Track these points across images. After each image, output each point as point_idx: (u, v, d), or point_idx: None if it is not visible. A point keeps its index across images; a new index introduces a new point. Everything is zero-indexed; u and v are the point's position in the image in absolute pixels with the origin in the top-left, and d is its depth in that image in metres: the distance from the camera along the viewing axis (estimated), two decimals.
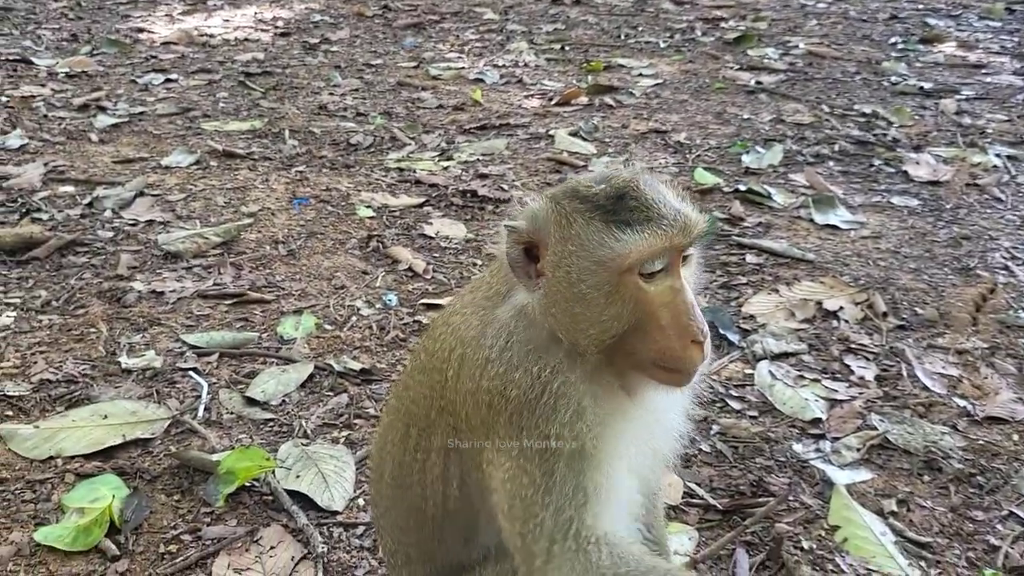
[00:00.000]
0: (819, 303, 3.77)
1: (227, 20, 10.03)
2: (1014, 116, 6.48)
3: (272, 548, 2.43)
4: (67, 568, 2.33)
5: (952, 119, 6.42)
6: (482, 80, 7.75)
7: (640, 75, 7.86)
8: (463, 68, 8.12)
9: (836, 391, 3.17)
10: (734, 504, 2.61)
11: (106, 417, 2.92)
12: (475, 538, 1.77)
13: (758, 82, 7.52)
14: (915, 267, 4.17)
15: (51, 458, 2.74)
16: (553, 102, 7.05)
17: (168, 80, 7.50)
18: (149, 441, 2.85)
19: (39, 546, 2.39)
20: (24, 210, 4.65)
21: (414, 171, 5.44)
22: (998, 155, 5.60)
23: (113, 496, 2.53)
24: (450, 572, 1.83)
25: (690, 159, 5.67)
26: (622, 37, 9.36)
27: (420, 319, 3.70)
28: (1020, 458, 2.84)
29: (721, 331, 3.48)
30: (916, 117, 6.47)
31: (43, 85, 7.20)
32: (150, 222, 4.57)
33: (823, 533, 2.51)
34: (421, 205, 4.92)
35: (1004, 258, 4.26)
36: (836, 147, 5.84)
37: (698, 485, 2.68)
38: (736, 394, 3.16)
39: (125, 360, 3.29)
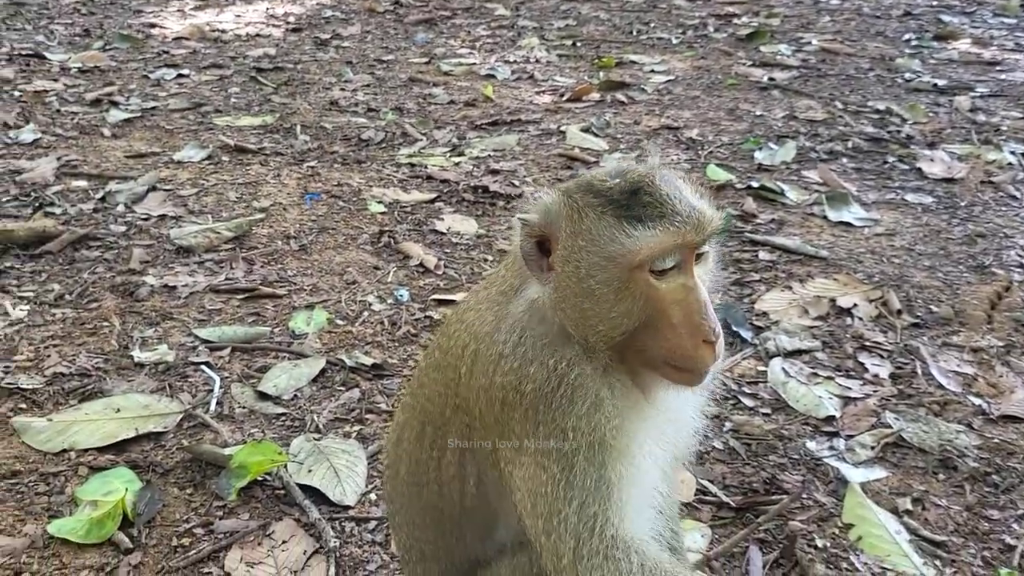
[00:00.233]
0: (833, 300, 3.74)
1: (239, 16, 10.04)
2: None
3: (284, 542, 2.43)
4: (80, 560, 2.34)
5: (967, 116, 6.37)
6: (493, 76, 7.73)
7: (652, 71, 7.83)
8: (474, 64, 8.11)
9: (850, 389, 3.15)
10: (747, 502, 2.60)
11: (119, 411, 2.93)
12: (493, 535, 1.76)
13: (771, 78, 7.48)
14: (930, 264, 4.14)
15: (64, 451, 2.75)
16: (564, 98, 7.04)
17: (180, 75, 7.51)
18: (162, 435, 2.86)
19: (52, 538, 2.39)
20: (37, 204, 4.66)
21: (425, 167, 5.44)
22: (1013, 152, 5.56)
23: (126, 489, 2.53)
24: (467, 568, 1.82)
25: (702, 155, 5.64)
26: (634, 33, 9.33)
27: (431, 315, 3.70)
28: None
29: (734, 328, 3.47)
30: (930, 114, 6.43)
31: (56, 80, 7.22)
32: (162, 217, 4.58)
33: (837, 531, 2.50)
34: (432, 201, 4.91)
35: (1019, 256, 4.23)
36: (850, 144, 5.80)
37: (711, 482, 2.67)
38: (749, 391, 3.15)
39: (138, 354, 3.30)
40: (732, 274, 4.00)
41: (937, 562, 2.40)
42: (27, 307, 3.62)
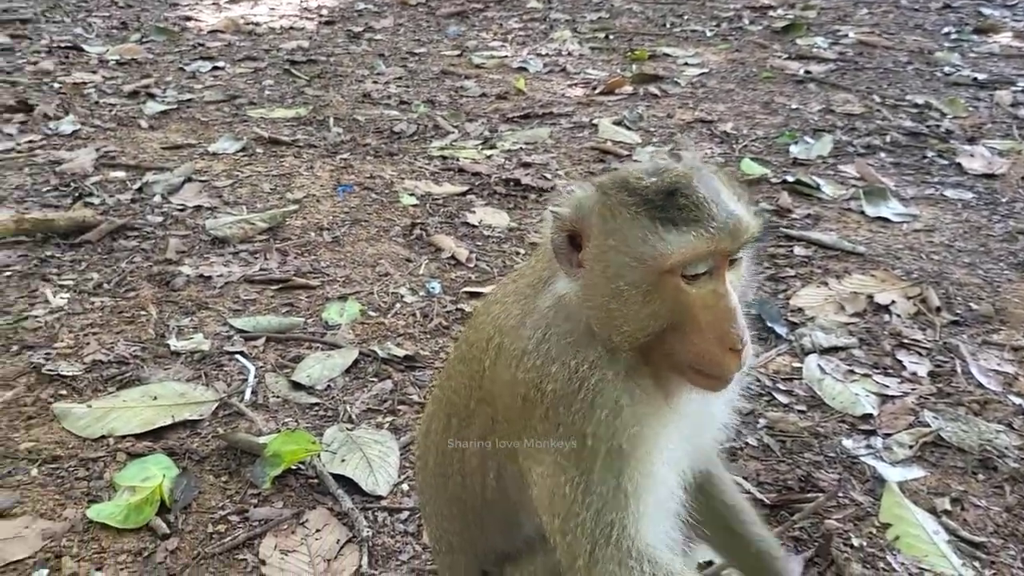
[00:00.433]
0: (870, 297, 3.69)
1: (272, 8, 10.11)
2: None
3: (318, 531, 2.45)
4: (119, 545, 2.37)
5: (1007, 111, 6.24)
6: (525, 69, 7.72)
7: (686, 64, 7.77)
8: (506, 57, 8.10)
9: (887, 387, 3.10)
10: (782, 499, 2.57)
11: (156, 398, 2.96)
12: (516, 529, 1.76)
13: (807, 71, 7.39)
14: (969, 261, 4.07)
15: (103, 437, 2.79)
16: (597, 91, 7.00)
17: (215, 68, 7.59)
18: (197, 423, 2.89)
19: (92, 522, 2.43)
20: (77, 194, 4.73)
21: (457, 159, 5.44)
22: None
23: (163, 476, 2.57)
24: (493, 561, 1.83)
25: (737, 149, 5.59)
26: (667, 25, 9.26)
27: (463, 307, 3.70)
28: None
29: (768, 324, 3.43)
30: (970, 108, 6.31)
31: (94, 72, 7.32)
32: (198, 207, 4.63)
33: (874, 531, 2.46)
34: (464, 193, 4.91)
35: None
36: (888, 138, 5.72)
37: (745, 479, 2.64)
38: (784, 388, 3.12)
39: (174, 343, 3.34)
40: (767, 269, 3.96)
41: (976, 563, 2.36)
42: (67, 295, 3.67)
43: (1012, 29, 8.63)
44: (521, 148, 5.66)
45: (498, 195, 4.90)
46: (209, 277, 3.88)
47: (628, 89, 7.02)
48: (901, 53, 7.94)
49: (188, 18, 9.50)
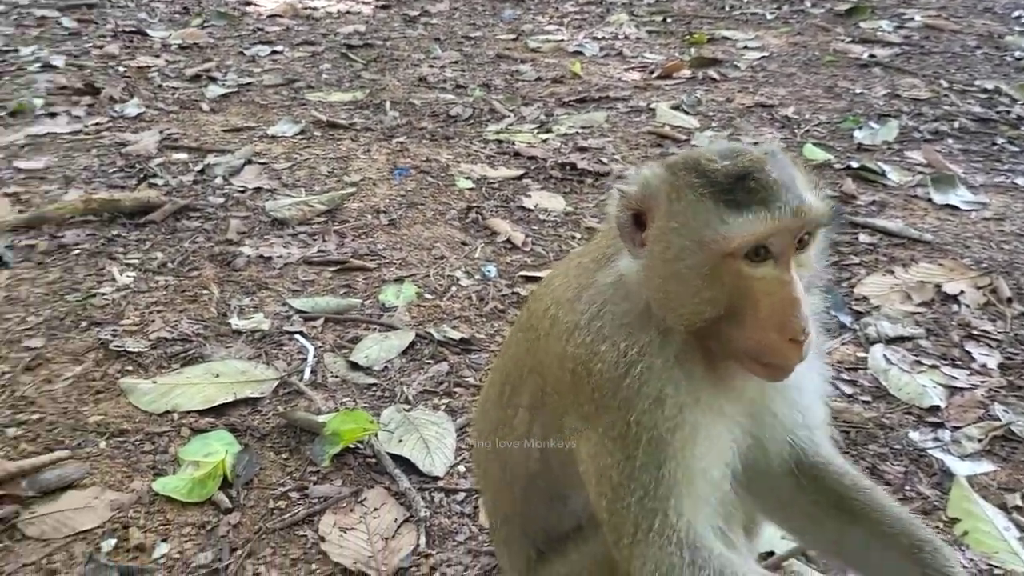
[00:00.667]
0: (938, 286, 3.59)
1: None
2: None
3: (376, 509, 2.47)
4: (183, 518, 2.42)
5: None
6: (581, 53, 7.66)
7: (745, 47, 7.63)
8: (562, 40, 8.04)
9: (956, 379, 3.01)
10: None
11: (218, 376, 3.02)
12: (561, 504, 1.75)
13: (871, 55, 7.20)
14: None
15: (168, 412, 2.85)
16: (654, 75, 6.92)
17: (274, 52, 7.67)
18: (258, 400, 2.93)
19: (157, 495, 2.49)
20: (142, 175, 4.83)
21: (513, 143, 5.42)
22: None
23: (226, 451, 2.61)
24: (543, 539, 1.82)
25: (799, 134, 5.47)
26: (726, 8, 9.10)
27: (518, 291, 3.69)
28: None
29: (832, 312, 3.36)
30: None
31: (157, 56, 7.46)
32: (258, 189, 4.69)
33: (941, 525, 2.40)
34: (520, 177, 4.90)
35: None
36: (956, 124, 5.54)
37: None
38: (848, 378, 3.04)
39: (235, 321, 3.39)
40: (830, 256, 3.87)
41: None
42: (133, 274, 3.76)
43: None
44: (577, 132, 5.62)
45: (554, 179, 4.87)
46: (269, 258, 3.93)
47: (686, 73, 6.92)
48: (969, 37, 7.69)
49: (248, 3, 9.62)
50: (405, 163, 5.10)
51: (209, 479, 2.51)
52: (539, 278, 3.74)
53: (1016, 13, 8.42)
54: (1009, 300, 3.48)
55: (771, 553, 2.21)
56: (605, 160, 5.13)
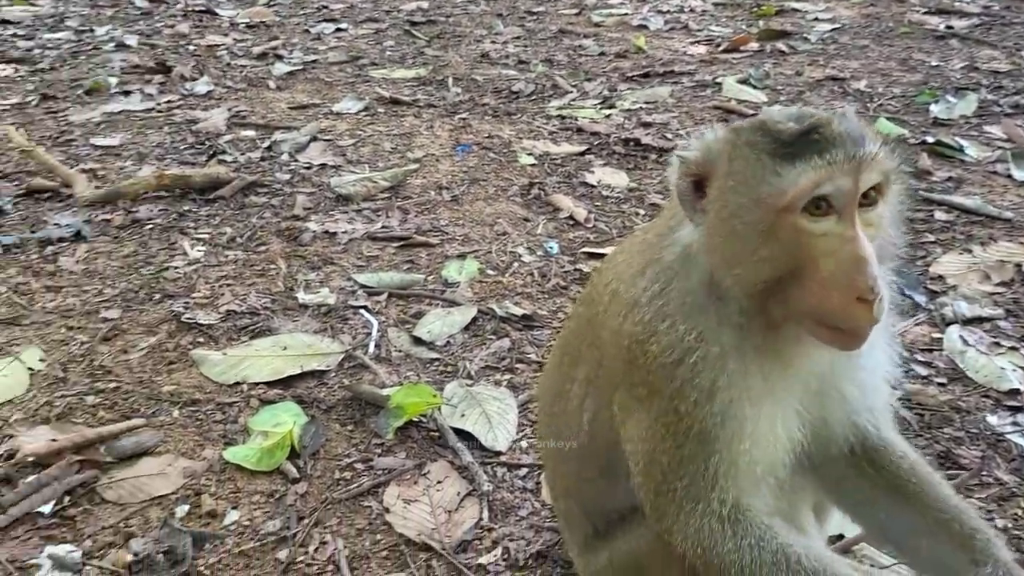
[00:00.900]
0: (1018, 266, 3.45)
1: None
2: None
3: (439, 482, 2.49)
4: (252, 486, 2.48)
5: None
6: (645, 26, 7.54)
7: (816, 19, 7.41)
8: (626, 14, 7.93)
9: None
10: None
11: (285, 348, 3.07)
12: (614, 481, 1.72)
13: (948, 27, 6.93)
14: None
15: (237, 383, 2.92)
16: (720, 48, 6.78)
17: (338, 29, 7.74)
18: (324, 373, 2.98)
19: (228, 463, 2.55)
20: (211, 152, 4.93)
21: (575, 119, 5.38)
22: None
23: (293, 422, 2.66)
24: (600, 515, 1.82)
25: (871, 108, 5.30)
26: None
27: (581, 267, 3.67)
28: None
29: (906, 292, 3.26)
30: None
31: (226, 35, 7.59)
32: (323, 165, 4.75)
33: (1020, 512, 2.31)
34: (583, 153, 4.86)
35: None
36: None
37: None
38: (922, 359, 2.95)
39: (302, 296, 3.45)
40: (904, 234, 3.75)
41: None
42: (203, 248, 3.85)
43: None
44: (641, 107, 5.55)
45: (617, 155, 4.82)
46: (334, 233, 3.98)
47: (754, 46, 6.76)
48: None
49: None
50: (467, 139, 5.10)
51: (277, 449, 2.56)
52: (602, 255, 3.72)
53: None
54: None
55: (840, 536, 2.16)
56: (669, 136, 5.05)
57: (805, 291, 1.34)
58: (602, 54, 6.83)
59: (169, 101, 5.87)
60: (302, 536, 2.30)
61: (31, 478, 2.44)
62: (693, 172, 1.46)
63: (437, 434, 2.70)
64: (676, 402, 1.46)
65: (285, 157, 4.86)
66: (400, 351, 3.14)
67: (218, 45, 7.22)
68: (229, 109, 5.63)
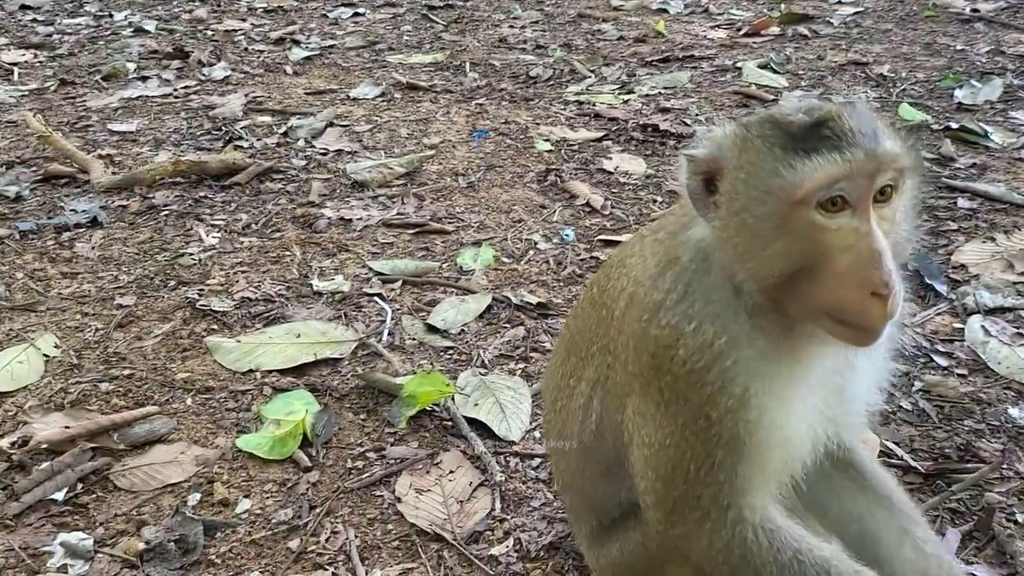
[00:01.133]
0: None
1: None
2: None
3: (451, 472, 2.48)
4: (265, 474, 2.48)
5: None
6: (665, 10, 7.46)
7: (838, 2, 7.31)
8: None
9: None
10: (938, 468, 2.40)
11: (299, 336, 3.07)
12: (617, 479, 1.71)
13: (974, 10, 6.81)
14: None
15: (251, 371, 2.91)
16: (741, 32, 6.69)
17: (356, 14, 7.70)
18: (338, 361, 2.97)
19: (240, 451, 2.55)
20: (228, 138, 4.93)
21: (593, 104, 5.33)
22: None
23: (306, 411, 2.66)
24: (604, 510, 1.81)
25: (894, 93, 5.22)
26: None
27: (597, 255, 3.64)
28: None
29: (927, 281, 3.20)
30: None
31: (243, 20, 7.58)
32: (339, 151, 4.73)
33: None
34: (600, 139, 4.81)
35: None
36: None
37: (897, 445, 2.48)
38: (943, 350, 2.90)
39: (316, 283, 3.44)
40: (926, 222, 3.69)
41: None
42: (219, 234, 3.84)
43: None
44: (660, 93, 5.49)
45: (635, 141, 4.77)
46: (349, 220, 3.97)
47: (775, 30, 6.67)
48: None
49: None
50: (484, 125, 5.06)
51: (290, 437, 2.56)
52: (618, 242, 3.68)
53: None
54: None
55: None
56: (688, 121, 5.00)
57: (820, 286, 1.32)
58: (621, 38, 6.76)
59: (186, 87, 5.87)
60: (313, 525, 2.29)
61: (44, 465, 2.45)
62: (703, 169, 1.43)
63: (450, 423, 2.68)
64: (707, 408, 1.43)
65: (301, 143, 4.84)
66: (414, 339, 3.12)
67: (236, 30, 7.21)
68: (246, 95, 5.62)
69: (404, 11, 7.76)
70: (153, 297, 3.36)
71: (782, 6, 7.26)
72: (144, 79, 6.01)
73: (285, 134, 4.97)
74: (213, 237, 3.82)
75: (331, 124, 5.09)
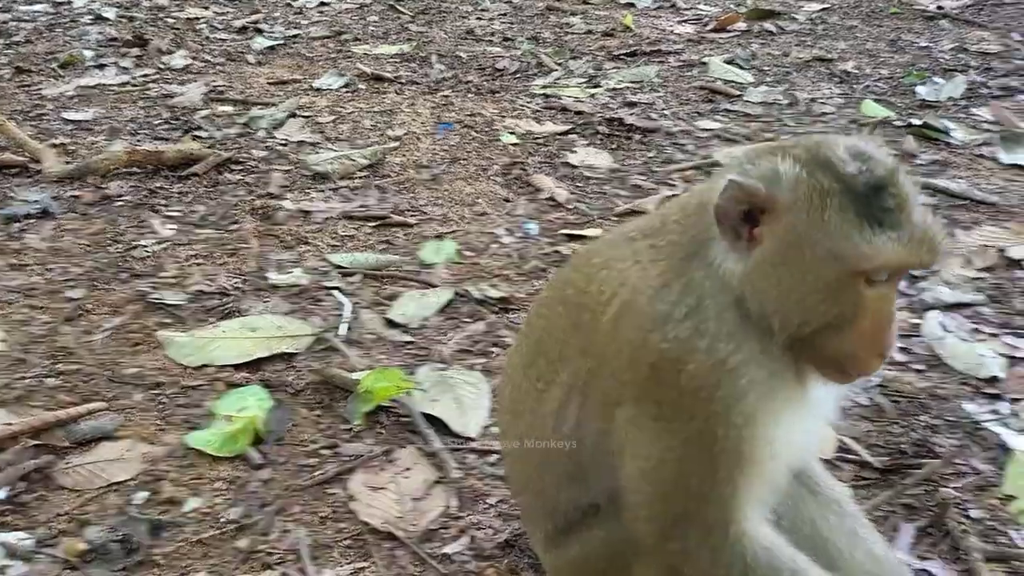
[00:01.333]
0: (1002, 250, 3.41)
1: None
2: None
3: (407, 469, 2.43)
4: (215, 472, 2.42)
5: None
6: (633, 4, 7.45)
7: None
8: None
9: (1018, 348, 2.86)
10: (894, 463, 2.40)
11: (255, 330, 3.00)
12: (581, 484, 1.69)
13: (939, 7, 6.88)
14: None
15: (203, 366, 2.84)
16: (708, 28, 6.70)
17: (322, 3, 7.61)
18: (294, 356, 2.91)
19: (190, 449, 2.48)
20: (186, 128, 4.84)
21: (560, 98, 5.30)
22: None
23: (259, 407, 2.60)
24: (561, 513, 1.76)
25: (858, 90, 5.25)
26: None
27: (560, 249, 3.61)
28: None
29: None
30: None
31: (206, 8, 7.45)
32: (301, 143, 4.66)
33: (996, 502, 2.28)
34: (566, 133, 4.78)
35: None
36: None
37: (854, 440, 2.48)
38: (901, 345, 2.90)
39: (273, 276, 3.38)
40: None
41: None
42: (174, 226, 3.76)
43: None
44: (627, 87, 5.47)
45: (601, 135, 4.75)
46: (309, 212, 3.90)
47: (741, 26, 6.68)
48: None
49: None
50: (449, 117, 5.01)
51: (241, 434, 2.49)
52: (582, 236, 3.66)
53: None
54: None
55: None
56: (655, 116, 4.98)
57: (840, 341, 1.40)
58: (589, 32, 6.74)
59: (145, 75, 5.76)
60: (264, 524, 2.24)
61: None
62: (748, 200, 1.39)
63: (407, 420, 2.64)
64: (713, 424, 1.43)
65: (262, 134, 4.76)
66: (373, 334, 3.07)
67: (198, 18, 7.08)
68: (206, 84, 5.52)
69: (371, 1, 7.67)
70: (104, 290, 3.28)
71: (749, 2, 7.28)
72: (102, 67, 5.88)
73: (246, 124, 4.88)
74: (168, 229, 3.74)
75: (293, 115, 5.01)
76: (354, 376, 2.73)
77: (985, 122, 4.70)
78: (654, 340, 1.45)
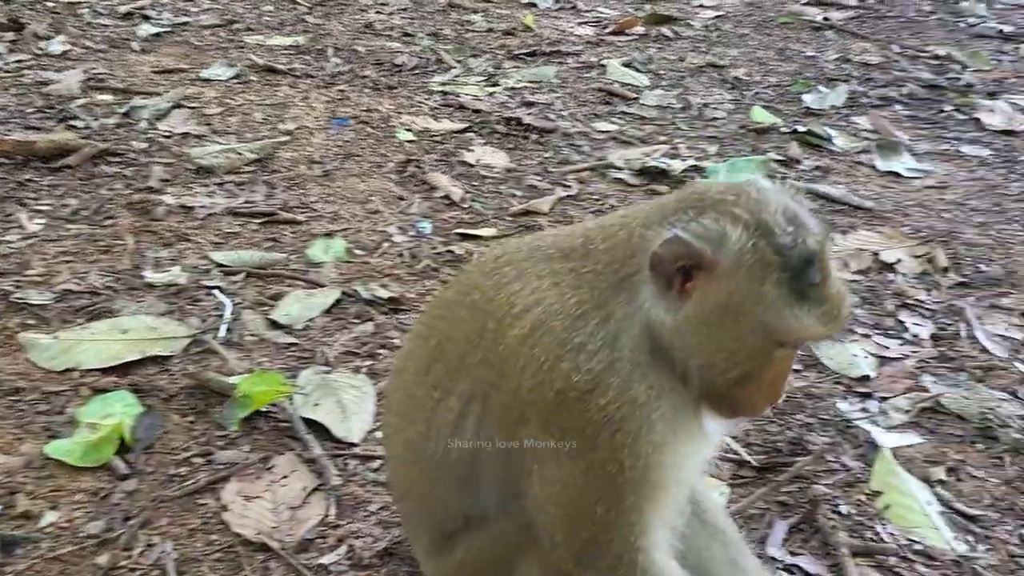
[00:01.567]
0: (875, 254, 3.55)
1: None
2: None
3: (285, 477, 2.35)
4: (76, 484, 2.28)
5: None
6: (535, 4, 7.46)
7: (701, 5, 7.51)
8: None
9: (887, 348, 2.98)
10: (770, 461, 2.46)
11: (126, 332, 2.85)
12: (471, 494, 1.67)
13: (826, 18, 7.14)
14: (982, 221, 3.91)
15: (68, 370, 2.69)
16: (607, 30, 6.77)
17: None
18: (167, 359, 2.78)
19: (49, 459, 2.33)
20: (61, 117, 4.57)
21: (458, 96, 5.26)
22: None
23: (126, 413, 2.46)
24: (447, 520, 1.74)
25: (747, 96, 5.39)
26: None
27: (454, 249, 3.57)
28: None
29: None
30: (993, 62, 6.10)
31: None
32: (185, 135, 4.47)
33: (864, 498, 2.36)
34: (463, 131, 4.74)
35: None
36: (905, 90, 5.52)
37: (733, 439, 2.53)
38: None
39: (150, 274, 3.22)
40: None
41: (969, 537, 2.26)
42: (42, 221, 3.55)
43: None
44: (525, 86, 5.47)
45: (498, 134, 4.73)
46: (191, 208, 3.74)
47: (640, 30, 6.78)
48: (925, 2, 7.66)
49: None
50: (344, 112, 4.90)
51: (106, 443, 2.36)
52: (476, 236, 3.64)
53: None
54: (945, 270, 3.46)
55: None
56: (552, 116, 5.00)
57: (744, 390, 1.50)
58: (490, 30, 6.72)
59: (19, 61, 5.41)
60: (127, 538, 2.12)
61: None
62: (688, 257, 1.41)
63: (287, 425, 2.55)
64: (620, 454, 1.45)
65: (144, 125, 4.55)
66: (254, 335, 2.97)
67: (80, 2, 6.71)
68: (86, 71, 5.23)
69: None
70: None
71: (647, 6, 7.40)
72: None
73: (126, 115, 4.64)
74: (36, 223, 3.52)
75: (178, 105, 4.80)
76: (232, 380, 2.63)
77: (864, 130, 4.89)
78: (564, 368, 1.45)
